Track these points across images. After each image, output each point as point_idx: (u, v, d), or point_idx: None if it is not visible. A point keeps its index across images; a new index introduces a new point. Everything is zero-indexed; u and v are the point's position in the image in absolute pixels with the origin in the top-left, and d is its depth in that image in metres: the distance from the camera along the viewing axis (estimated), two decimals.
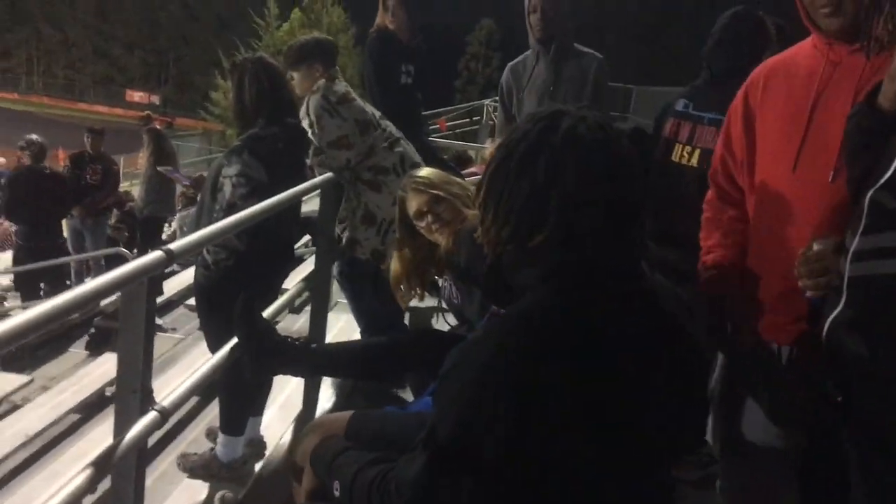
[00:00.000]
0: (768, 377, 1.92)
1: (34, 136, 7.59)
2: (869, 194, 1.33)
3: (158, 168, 8.04)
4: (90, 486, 1.48)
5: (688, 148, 2.89)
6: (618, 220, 1.26)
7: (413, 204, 2.39)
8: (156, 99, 45.73)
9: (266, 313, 2.47)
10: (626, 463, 1.26)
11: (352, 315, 4.64)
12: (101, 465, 1.54)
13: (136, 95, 46.18)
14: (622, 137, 1.29)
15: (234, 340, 2.16)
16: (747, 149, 1.91)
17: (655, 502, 1.38)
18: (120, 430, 1.66)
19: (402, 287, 2.53)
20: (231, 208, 2.74)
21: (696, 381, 1.41)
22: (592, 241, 1.24)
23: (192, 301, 6.07)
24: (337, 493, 1.49)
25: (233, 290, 2.30)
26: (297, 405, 3.29)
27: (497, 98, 4.05)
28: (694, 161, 2.86)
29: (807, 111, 1.73)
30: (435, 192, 2.36)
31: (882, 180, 1.31)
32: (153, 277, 1.70)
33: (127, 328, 1.69)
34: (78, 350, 5.92)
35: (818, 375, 1.51)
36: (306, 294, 3.79)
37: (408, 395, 3.11)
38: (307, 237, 5.55)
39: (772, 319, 1.86)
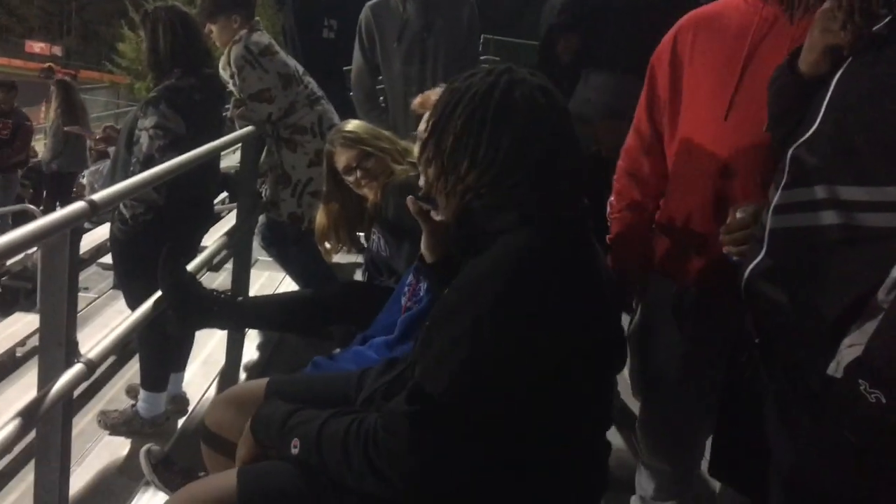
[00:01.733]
0: (681, 317, 2.04)
1: None
2: (791, 150, 1.39)
3: (66, 128, 7.69)
4: (17, 437, 1.47)
5: None
6: (578, 164, 1.38)
7: (341, 159, 2.39)
8: (58, 50, 43.24)
9: (189, 268, 2.45)
10: (604, 393, 1.40)
11: (272, 272, 4.63)
12: (27, 416, 1.52)
13: (37, 46, 43.59)
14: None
15: (158, 294, 2.14)
16: (671, 95, 1.94)
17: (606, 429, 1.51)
18: (45, 383, 1.64)
19: (328, 241, 2.54)
20: (149, 161, 2.68)
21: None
22: (563, 182, 1.33)
23: (103, 259, 5.92)
24: (296, 451, 1.41)
25: (152, 245, 2.28)
26: (220, 361, 3.28)
27: None
28: None
29: (740, 63, 1.77)
30: (363, 147, 2.38)
31: (803, 138, 1.37)
32: (76, 229, 1.67)
33: (50, 280, 1.66)
34: None
35: (731, 317, 1.61)
36: (224, 252, 3.75)
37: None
38: (224, 194, 5.45)
39: (684, 263, 1.95)
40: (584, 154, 1.42)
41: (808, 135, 1.37)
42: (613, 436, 3.11)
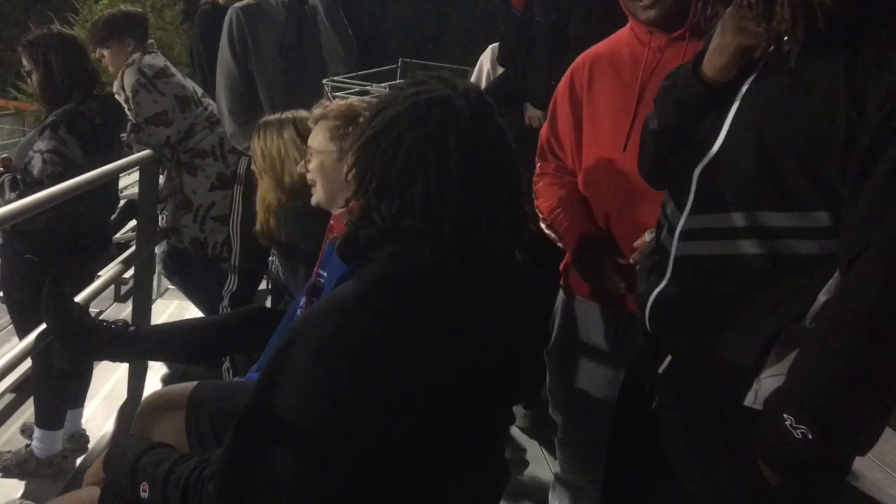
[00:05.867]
0: (602, 339, 2.04)
1: None
2: (697, 170, 1.33)
3: None
4: None
5: None
6: (494, 204, 1.28)
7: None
8: None
9: (79, 298, 2.34)
10: (466, 426, 1.31)
11: (182, 301, 4.50)
12: None
13: None
14: (501, 119, 1.32)
15: (42, 327, 2.03)
16: (574, 133, 1.97)
17: (491, 465, 1.45)
18: None
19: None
20: (37, 186, 2.58)
21: (539, 343, 1.48)
22: (447, 225, 1.25)
23: None
24: (145, 495, 1.35)
25: (43, 275, 2.16)
26: (123, 395, 3.14)
27: None
28: None
29: (635, 96, 1.81)
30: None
31: (708, 157, 1.31)
32: None
33: None
34: None
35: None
36: (132, 283, 3.62)
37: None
38: (133, 223, 5.27)
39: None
40: (500, 193, 1.32)
41: (713, 153, 1.31)
42: (528, 447, 3.14)
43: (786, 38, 1.21)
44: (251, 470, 1.20)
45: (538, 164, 2.13)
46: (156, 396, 1.89)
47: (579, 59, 2.00)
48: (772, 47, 1.24)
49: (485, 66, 4.15)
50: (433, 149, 1.23)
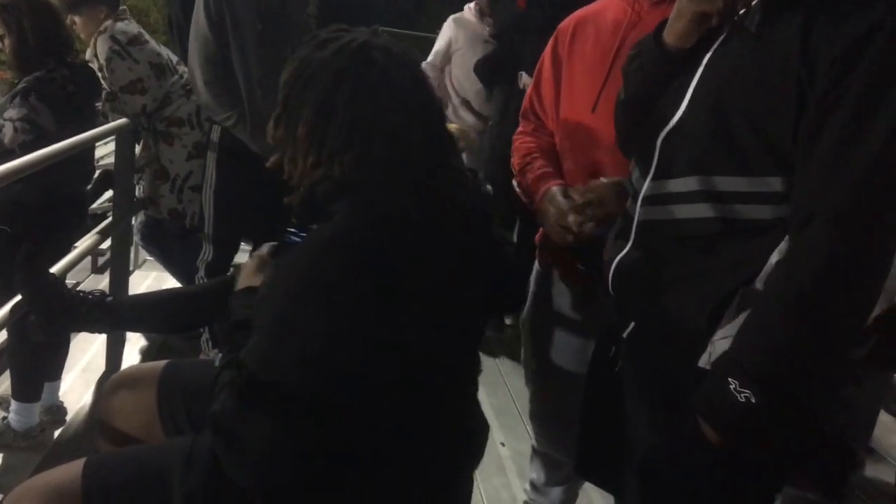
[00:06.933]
0: (570, 308, 2.03)
1: None
2: (660, 137, 1.34)
3: None
4: None
5: None
6: (433, 149, 1.32)
7: None
8: None
9: (55, 269, 2.31)
10: (441, 371, 1.33)
11: (160, 272, 4.46)
12: None
13: None
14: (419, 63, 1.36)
15: (16, 299, 2.00)
16: (554, 93, 1.97)
17: (469, 416, 1.47)
18: None
19: None
20: (8, 155, 2.52)
21: (505, 280, 1.53)
22: (408, 172, 1.28)
23: None
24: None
25: (16, 246, 2.12)
26: (101, 368, 3.11)
27: None
28: None
29: (610, 57, 1.80)
30: None
31: (671, 123, 1.32)
32: None
33: None
34: None
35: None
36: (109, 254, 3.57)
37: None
38: (109, 193, 5.20)
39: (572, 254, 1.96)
40: (445, 149, 1.39)
41: (676, 119, 1.31)
42: (510, 421, 3.15)
43: (739, 3, 1.23)
44: (240, 415, 1.21)
45: (520, 124, 2.12)
46: (125, 374, 1.87)
47: (565, 21, 1.99)
48: (737, 13, 1.25)
49: (445, 35, 4.42)
50: (386, 86, 1.27)
